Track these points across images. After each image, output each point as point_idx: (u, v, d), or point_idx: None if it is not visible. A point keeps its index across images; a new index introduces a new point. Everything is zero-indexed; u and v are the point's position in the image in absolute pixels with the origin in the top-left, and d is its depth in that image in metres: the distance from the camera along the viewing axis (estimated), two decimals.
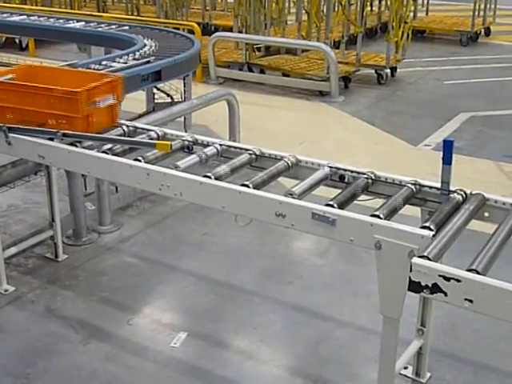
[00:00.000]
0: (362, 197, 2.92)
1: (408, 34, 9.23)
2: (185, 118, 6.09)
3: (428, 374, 3.29)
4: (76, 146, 3.30)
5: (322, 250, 4.55)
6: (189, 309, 3.92)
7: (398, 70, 9.39)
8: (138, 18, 10.43)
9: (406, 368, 3.26)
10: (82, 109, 3.31)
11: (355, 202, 2.84)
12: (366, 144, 6.64)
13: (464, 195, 2.76)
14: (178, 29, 7.88)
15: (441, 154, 2.78)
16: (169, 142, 3.14)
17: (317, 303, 3.94)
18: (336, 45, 9.75)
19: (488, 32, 12.36)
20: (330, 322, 3.76)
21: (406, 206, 2.84)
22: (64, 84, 3.46)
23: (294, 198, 2.77)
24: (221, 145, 3.31)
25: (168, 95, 6.36)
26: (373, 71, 9.15)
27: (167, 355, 3.48)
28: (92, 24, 6.78)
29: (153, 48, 5.60)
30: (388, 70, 9.11)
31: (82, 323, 3.72)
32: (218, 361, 3.44)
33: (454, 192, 2.77)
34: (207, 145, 3.33)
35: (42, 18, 7.14)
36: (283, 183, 3.23)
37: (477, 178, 5.63)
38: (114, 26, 6.67)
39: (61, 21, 6.94)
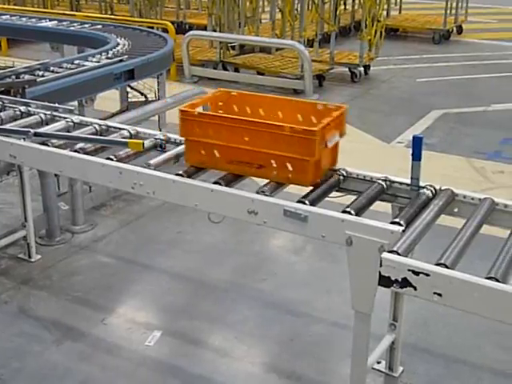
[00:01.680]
0: (334, 193, 2.95)
1: (381, 33, 9.31)
2: (159, 117, 6.08)
3: (400, 368, 3.33)
4: (47, 146, 3.28)
5: (297, 248, 4.58)
6: (163, 307, 3.92)
7: (371, 68, 9.46)
8: (112, 16, 10.38)
9: (378, 362, 3.29)
10: (318, 151, 2.78)
11: (327, 198, 2.86)
12: (340, 141, 6.65)
13: (433, 191, 2.80)
14: (152, 27, 7.87)
15: None
16: (141, 141, 3.13)
17: (291, 300, 3.96)
18: (310, 43, 9.80)
19: (460, 30, 12.49)
20: (303, 318, 3.79)
21: (378, 201, 2.88)
22: (272, 116, 3.08)
23: (266, 195, 2.79)
24: None
25: (142, 94, 6.34)
26: (346, 69, 9.22)
27: (142, 354, 3.47)
28: (65, 23, 6.73)
29: (126, 47, 5.58)
30: (361, 68, 9.17)
31: (55, 323, 3.70)
32: (192, 359, 3.44)
33: (424, 188, 2.81)
34: (180, 143, 3.33)
35: (14, 17, 7.07)
36: (256, 180, 3.24)
37: (449, 174, 5.69)
38: (86, 25, 6.63)
39: (33, 20, 6.88)
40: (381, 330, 3.20)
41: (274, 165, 2.84)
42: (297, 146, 2.75)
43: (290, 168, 2.81)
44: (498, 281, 2.17)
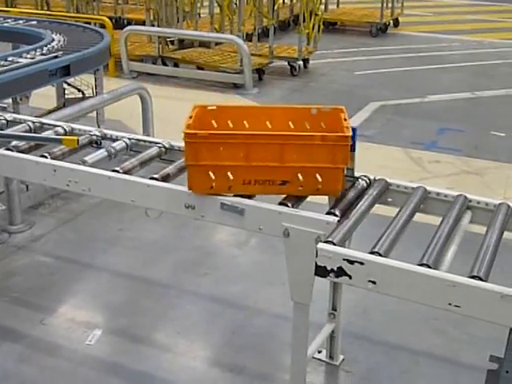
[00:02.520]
0: None
1: (319, 26, 9.38)
2: (97, 113, 6.01)
3: (341, 357, 3.37)
4: None
5: (239, 241, 4.59)
6: (104, 305, 3.88)
7: (310, 62, 9.54)
8: (48, 12, 10.18)
9: (319, 352, 3.33)
10: (349, 157, 2.67)
11: None
12: None
13: (368, 181, 2.85)
14: (90, 23, 7.75)
15: None
16: (76, 138, 3.08)
17: (233, 293, 3.97)
18: (249, 37, 9.80)
19: (396, 23, 12.72)
20: (245, 311, 3.80)
21: None
22: (259, 127, 2.85)
23: None
24: (130, 139, 3.29)
25: (79, 90, 6.26)
26: (286, 63, 9.26)
27: (82, 353, 3.43)
28: None
29: (61, 43, 5.48)
30: (300, 62, 9.24)
31: None
32: (134, 356, 3.42)
33: (359, 178, 2.86)
34: (116, 139, 3.31)
35: None
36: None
37: (387, 165, 5.79)
38: (21, 21, 6.49)
39: None
40: (322, 319, 3.24)
41: (301, 178, 2.65)
42: (329, 154, 2.59)
43: (320, 179, 2.65)
44: (429, 267, 2.23)
